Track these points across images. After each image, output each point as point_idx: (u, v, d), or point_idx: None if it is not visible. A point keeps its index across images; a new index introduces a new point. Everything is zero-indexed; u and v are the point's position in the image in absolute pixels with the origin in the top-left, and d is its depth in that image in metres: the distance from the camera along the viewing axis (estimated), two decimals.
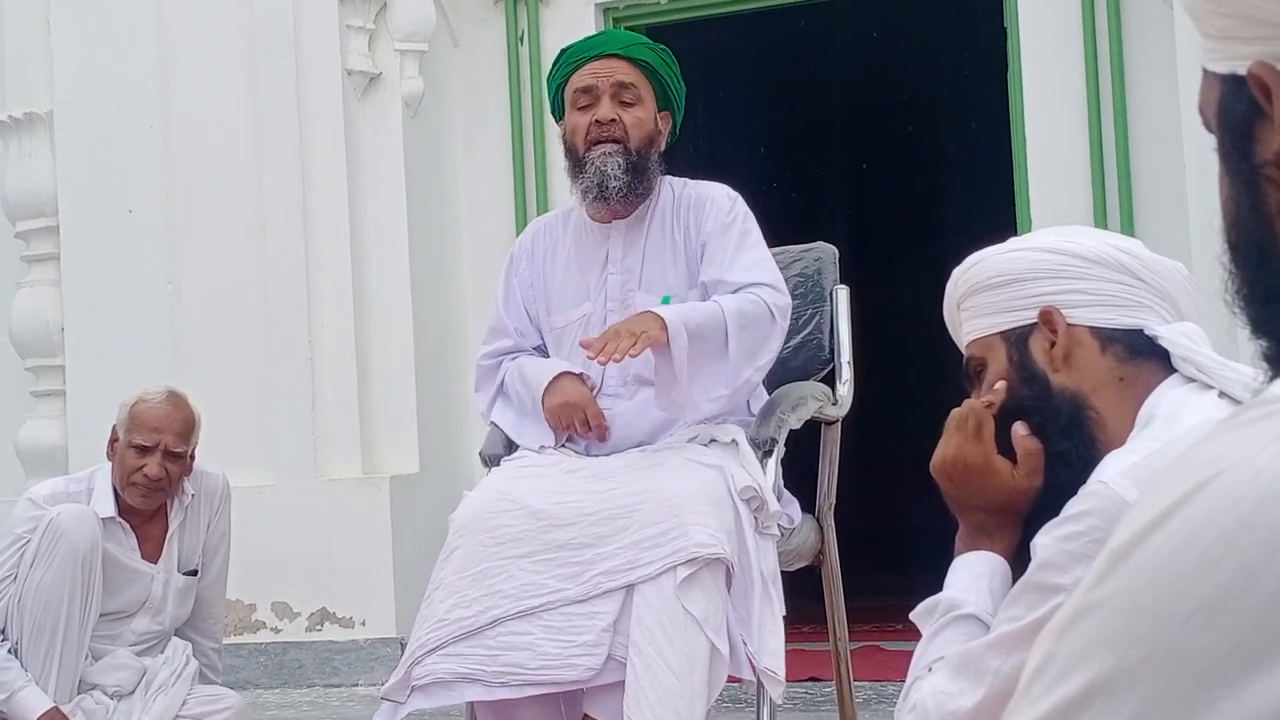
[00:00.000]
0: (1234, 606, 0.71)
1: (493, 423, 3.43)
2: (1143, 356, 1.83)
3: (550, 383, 3.30)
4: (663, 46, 3.45)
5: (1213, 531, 0.72)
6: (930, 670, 1.82)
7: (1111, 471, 1.67)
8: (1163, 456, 1.66)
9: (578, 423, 3.25)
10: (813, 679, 4.60)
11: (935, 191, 9.51)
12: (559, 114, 3.43)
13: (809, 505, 3.45)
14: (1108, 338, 1.84)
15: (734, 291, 3.24)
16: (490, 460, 3.36)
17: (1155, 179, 5.07)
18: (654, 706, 2.85)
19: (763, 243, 3.35)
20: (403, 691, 3.08)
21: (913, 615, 1.93)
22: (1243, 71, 0.91)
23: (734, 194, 3.39)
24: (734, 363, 3.17)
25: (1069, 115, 5.21)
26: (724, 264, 3.29)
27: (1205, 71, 0.97)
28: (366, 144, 5.59)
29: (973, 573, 1.89)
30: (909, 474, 8.89)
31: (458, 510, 3.16)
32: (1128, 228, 5.05)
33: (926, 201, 9.54)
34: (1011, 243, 1.97)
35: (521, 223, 5.66)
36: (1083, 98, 5.19)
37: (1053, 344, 1.85)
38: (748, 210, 3.37)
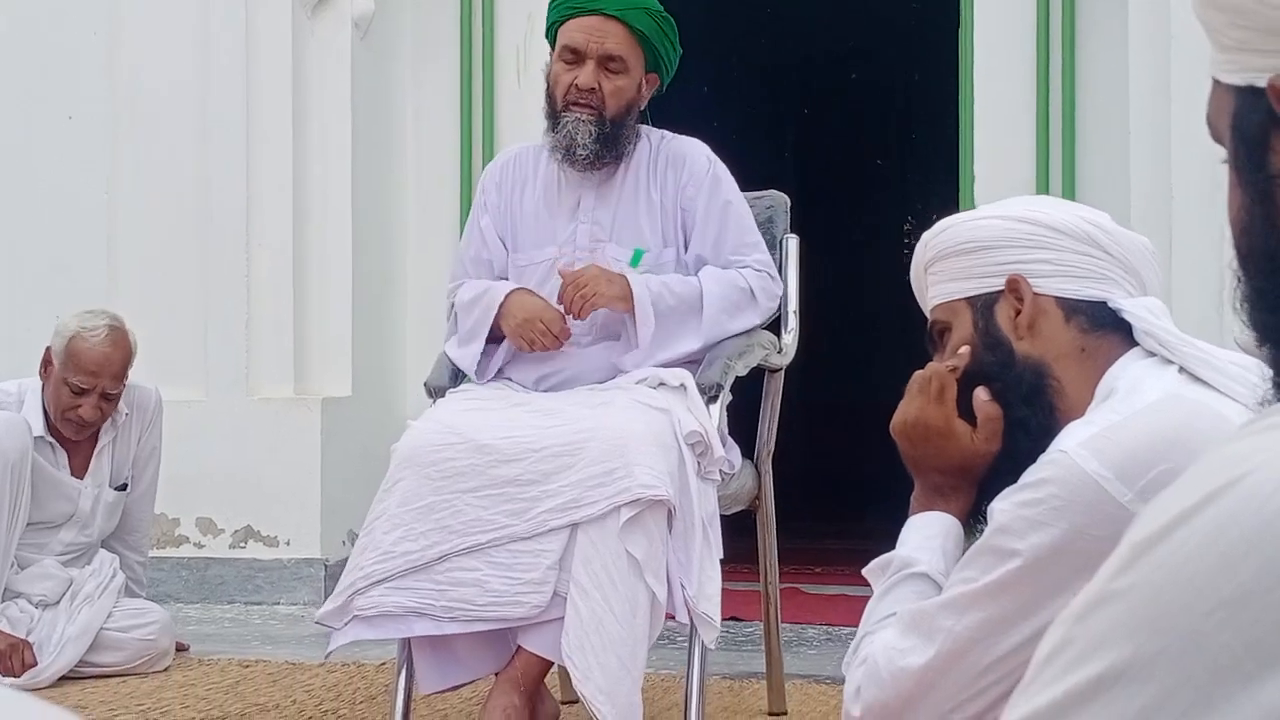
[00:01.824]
0: (1254, 605, 0.73)
1: (444, 353, 3.42)
2: (1105, 329, 1.86)
3: (503, 304, 3.28)
4: (664, 14, 3.41)
5: (1236, 531, 0.74)
6: (882, 626, 1.86)
7: (1071, 442, 1.70)
8: (1123, 429, 1.69)
9: (538, 335, 3.25)
10: (734, 618, 4.65)
11: (880, 142, 9.55)
12: (551, 42, 3.41)
13: (749, 451, 3.49)
14: (1072, 308, 1.87)
15: (739, 266, 3.31)
16: (435, 392, 3.37)
17: (1100, 141, 5.11)
18: (598, 652, 2.88)
19: (748, 213, 3.39)
20: (339, 618, 3.10)
21: (865, 571, 1.96)
22: (1261, 84, 0.92)
23: (711, 154, 3.41)
24: (705, 337, 3.28)
25: (1017, 72, 5.24)
26: (715, 241, 3.35)
27: (1217, 82, 0.98)
28: (314, 63, 5.54)
29: (927, 532, 1.92)
30: (843, 420, 8.99)
31: (401, 441, 3.16)
32: (1069, 189, 5.11)
33: (870, 152, 9.58)
34: (981, 210, 1.99)
35: (467, 149, 5.64)
36: (1032, 56, 5.22)
37: (1018, 312, 1.88)
38: (726, 171, 3.40)
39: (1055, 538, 1.66)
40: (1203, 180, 4.61)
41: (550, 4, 3.43)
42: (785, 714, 3.58)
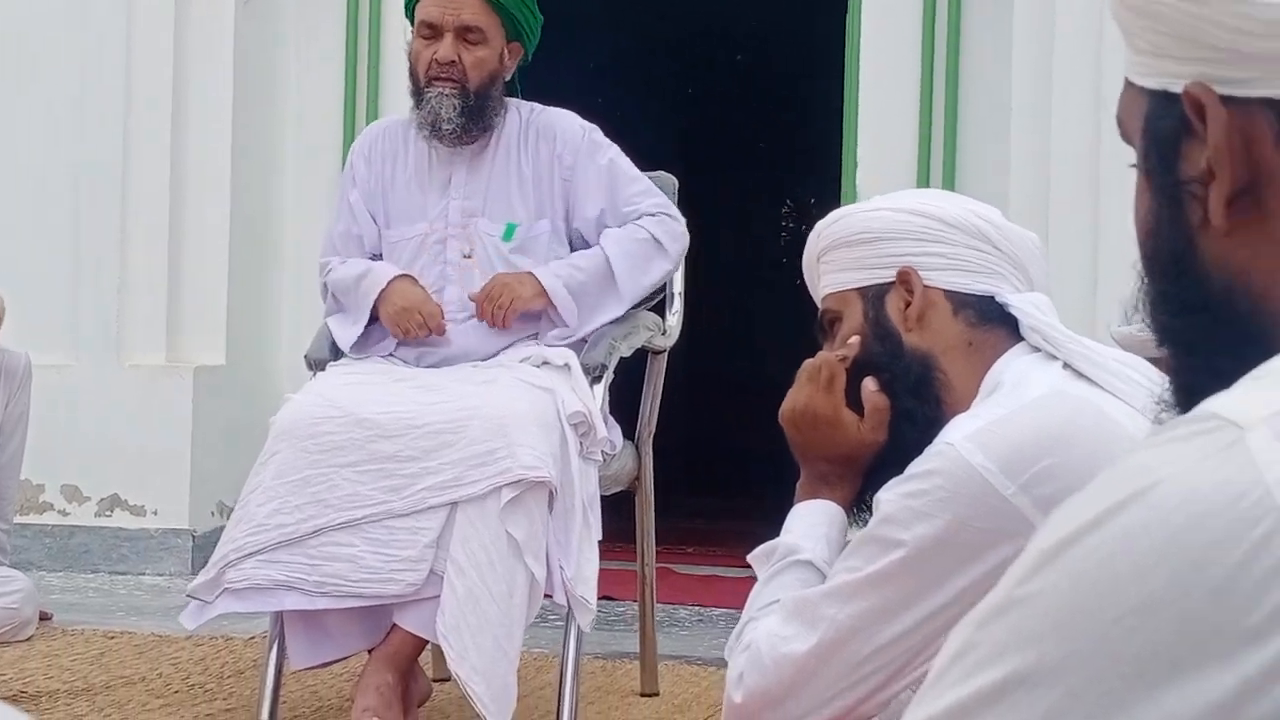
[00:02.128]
0: (1162, 614, 0.73)
1: (325, 325, 3.39)
2: (992, 323, 1.88)
3: (384, 289, 3.27)
4: None
5: (1146, 540, 0.74)
6: (765, 612, 1.86)
7: (957, 435, 1.72)
8: (1008, 423, 1.72)
9: (414, 326, 3.24)
10: (607, 597, 4.65)
11: (763, 125, 9.58)
12: (412, 20, 3.38)
13: (629, 432, 3.50)
14: (960, 302, 1.89)
15: (620, 225, 3.30)
16: (316, 364, 3.33)
17: (981, 131, 5.16)
18: (474, 633, 2.87)
19: (631, 165, 3.39)
20: (211, 591, 3.06)
21: (749, 557, 1.96)
22: (1176, 89, 0.92)
23: (583, 121, 3.40)
24: (625, 298, 3.31)
25: (903, 62, 5.28)
26: (609, 200, 3.33)
27: (1129, 84, 0.98)
28: (196, 29, 5.43)
29: (811, 520, 1.93)
30: (721, 394, 9.02)
31: (280, 413, 3.12)
32: (949, 178, 5.16)
33: (754, 134, 9.62)
34: (875, 201, 2.00)
35: (350, 123, 5.56)
36: (918, 44, 5.26)
37: (908, 304, 1.89)
38: (599, 133, 3.39)
39: (939, 529, 1.69)
40: (1080, 174, 4.69)
41: None
42: (657, 694, 3.60)
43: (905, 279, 1.89)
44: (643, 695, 3.60)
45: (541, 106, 3.43)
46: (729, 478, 7.93)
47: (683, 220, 3.41)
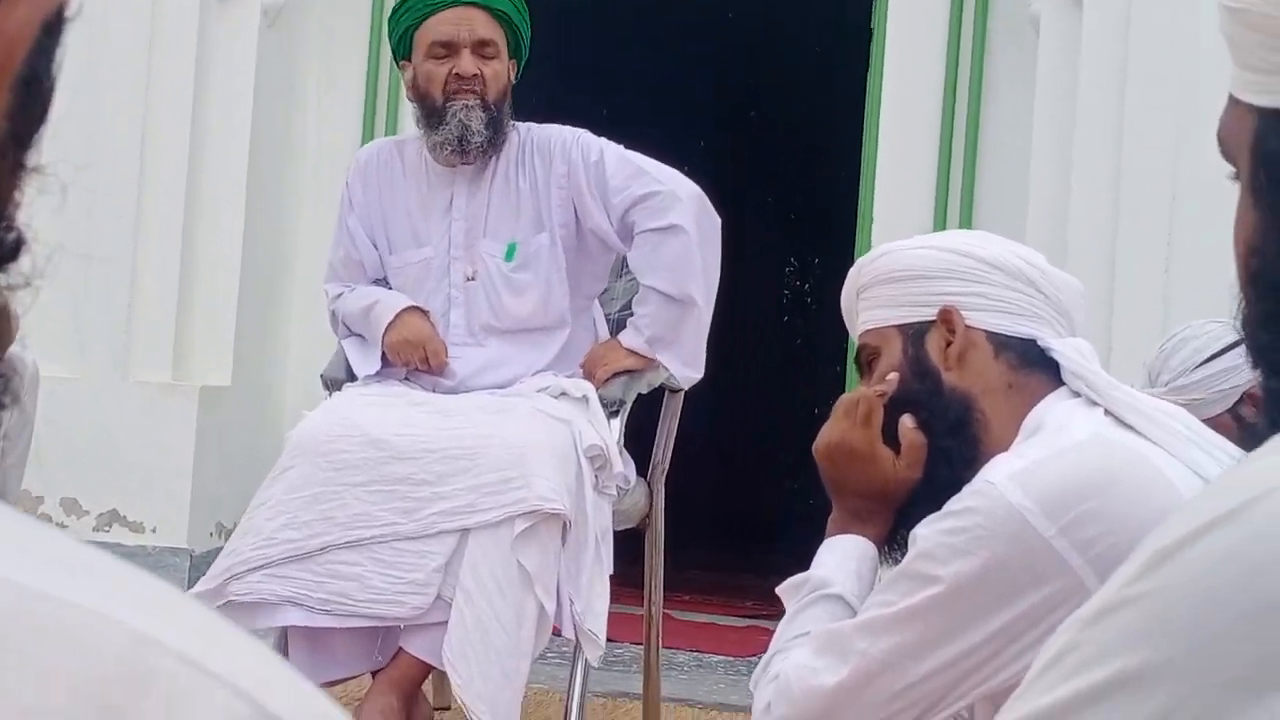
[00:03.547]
0: (1272, 619, 0.72)
1: (341, 347, 3.38)
2: (1033, 367, 1.87)
3: (394, 318, 3.27)
4: None
5: (1261, 547, 0.73)
6: (795, 644, 1.84)
7: (999, 474, 1.70)
8: (1050, 465, 1.70)
9: (417, 360, 3.24)
10: (609, 640, 4.62)
11: (778, 180, 9.59)
12: (403, 55, 3.37)
13: (642, 470, 3.48)
14: (1001, 344, 1.88)
15: (629, 207, 3.26)
16: (331, 384, 3.32)
17: (999, 198, 5.17)
18: (481, 661, 2.85)
19: (621, 153, 3.36)
20: (213, 601, 3.02)
21: (779, 590, 1.94)
22: None
23: (577, 130, 3.39)
24: (697, 299, 3.32)
25: (922, 126, 5.29)
26: (603, 197, 3.30)
27: (1235, 101, 0.97)
28: (219, 47, 5.44)
29: (842, 554, 1.91)
30: (717, 449, 8.99)
31: (296, 429, 3.10)
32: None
33: (767, 189, 9.62)
34: (919, 239, 1.99)
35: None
36: (938, 111, 5.27)
37: (949, 343, 1.88)
38: (590, 135, 3.37)
39: (976, 567, 1.67)
40: (1098, 240, 4.68)
41: (396, 15, 3.39)
42: None
43: (947, 318, 1.87)
44: None
45: (534, 124, 3.43)
46: (726, 529, 7.92)
47: (671, 182, 3.32)
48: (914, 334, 1.91)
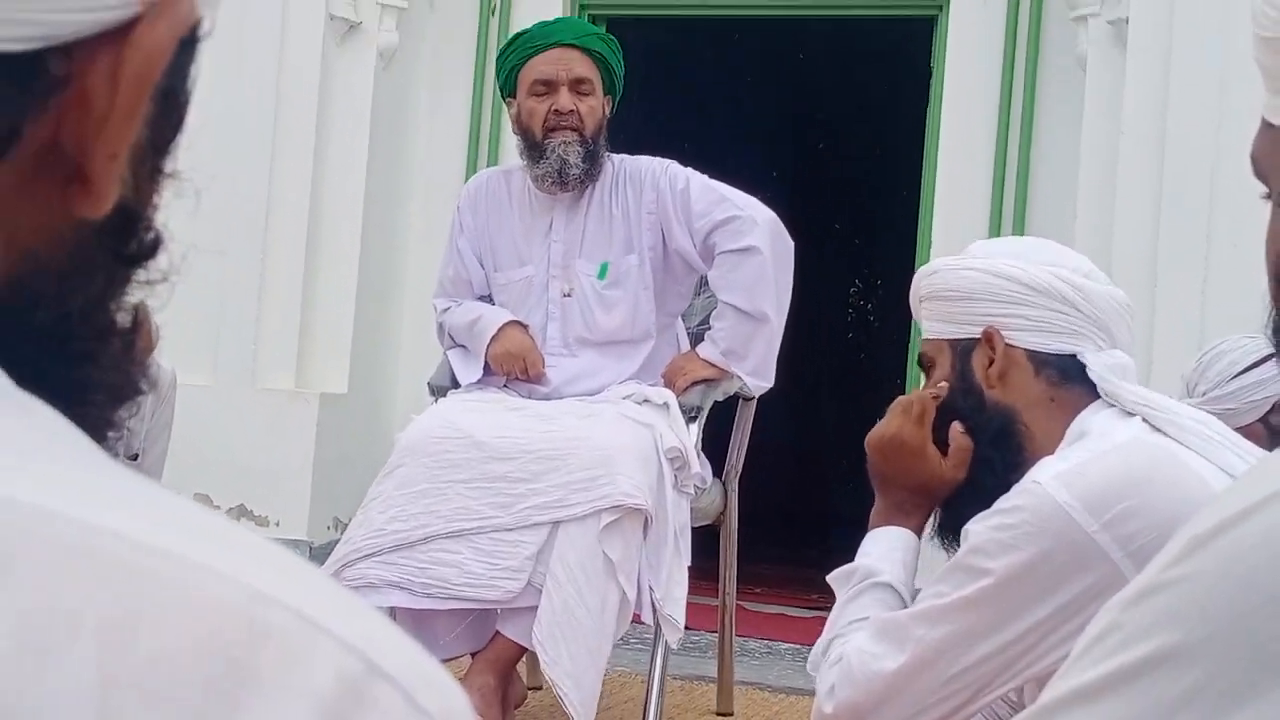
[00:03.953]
0: None
1: (446, 357, 3.40)
2: (1073, 381, 1.84)
3: (497, 331, 3.30)
4: (610, 36, 3.44)
5: None
6: (852, 629, 1.83)
7: (1046, 474, 1.69)
8: (1093, 466, 1.69)
9: (517, 370, 3.26)
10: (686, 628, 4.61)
11: (846, 206, 9.54)
12: (509, 91, 3.39)
13: (718, 471, 3.47)
14: (1042, 361, 1.85)
15: (711, 230, 3.26)
16: (437, 390, 3.34)
17: (1049, 222, 5.12)
18: (568, 642, 2.85)
19: (705, 182, 3.37)
20: None
21: (829, 578, 1.93)
22: None
23: (664, 161, 3.41)
24: (769, 315, 3.31)
25: (977, 157, 5.26)
26: (687, 221, 3.31)
27: (1269, 125, 0.96)
28: (339, 84, 5.50)
29: (888, 544, 1.90)
30: (785, 459, 8.99)
31: (405, 431, 3.13)
32: None
33: (835, 214, 9.59)
34: (967, 258, 1.95)
35: (473, 172, 5.59)
36: (992, 143, 5.24)
37: (991, 361, 1.86)
38: (677, 166, 3.39)
39: (1025, 560, 1.66)
40: (1140, 253, 4.62)
41: (503, 55, 3.42)
42: (732, 714, 3.55)
43: (989, 339, 1.86)
44: (718, 715, 3.55)
45: (627, 156, 3.44)
46: (788, 528, 7.89)
47: (750, 208, 3.32)
48: (962, 350, 1.90)
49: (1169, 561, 0.76)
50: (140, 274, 0.58)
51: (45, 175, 0.52)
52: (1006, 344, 1.85)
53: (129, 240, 0.57)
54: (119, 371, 0.57)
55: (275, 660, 0.44)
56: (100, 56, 0.52)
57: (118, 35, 0.52)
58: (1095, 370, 1.83)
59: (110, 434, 0.57)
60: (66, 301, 0.54)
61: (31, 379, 0.50)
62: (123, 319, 0.58)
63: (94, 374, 0.56)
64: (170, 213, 0.64)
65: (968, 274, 1.91)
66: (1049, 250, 1.95)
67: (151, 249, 0.58)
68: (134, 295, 0.58)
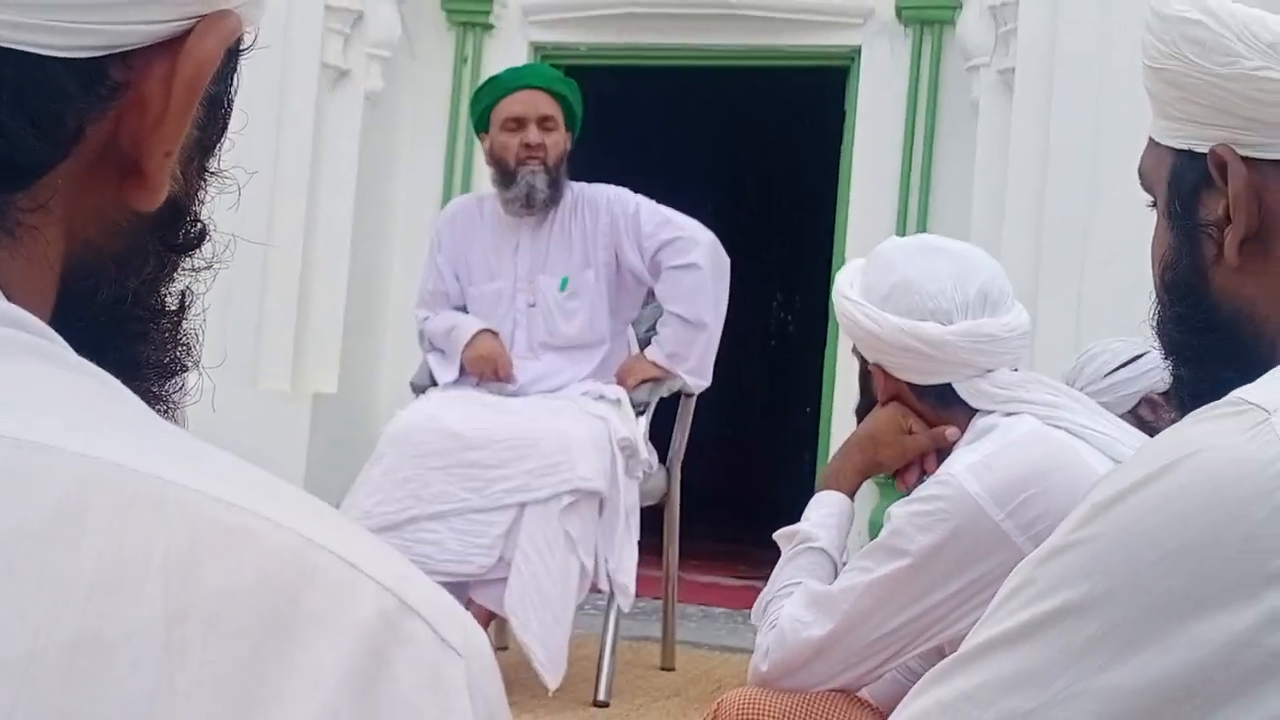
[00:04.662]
0: (1195, 557, 0.70)
1: (426, 360, 3.36)
2: (952, 405, 1.78)
3: (471, 337, 3.26)
4: (570, 80, 3.43)
5: (1187, 497, 0.72)
6: (785, 594, 1.79)
7: (958, 466, 1.68)
8: (998, 458, 1.67)
9: (489, 371, 3.23)
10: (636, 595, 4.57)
11: (768, 232, 9.53)
12: (482, 128, 3.36)
13: (663, 458, 3.43)
14: (920, 392, 1.80)
15: (658, 249, 3.24)
16: (418, 389, 3.29)
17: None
18: (536, 609, 2.82)
19: (653, 207, 3.37)
20: None
21: (776, 535, 1.89)
22: (1201, 149, 0.91)
23: (618, 189, 3.40)
24: (706, 321, 3.31)
25: (885, 188, 5.24)
26: (636, 241, 3.31)
27: (1154, 143, 0.96)
28: (331, 124, 5.42)
29: (826, 510, 1.87)
30: (712, 452, 8.95)
31: (390, 424, 3.09)
32: None
33: (758, 239, 9.58)
34: (868, 307, 1.79)
35: (448, 199, 5.53)
36: (897, 176, 5.23)
37: (884, 390, 1.83)
38: (627, 192, 3.39)
39: (938, 542, 1.65)
40: (1025, 271, 4.62)
41: (477, 96, 3.42)
42: (674, 669, 3.51)
43: (879, 379, 1.81)
44: (662, 669, 3.51)
45: (587, 184, 3.41)
46: (722, 508, 7.87)
47: (692, 229, 3.32)
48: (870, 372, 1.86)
49: (1074, 525, 0.75)
50: (187, 262, 0.57)
51: (105, 171, 0.51)
52: (894, 378, 1.79)
53: (178, 231, 0.56)
54: (167, 350, 0.56)
55: (323, 598, 0.44)
56: (156, 64, 0.51)
57: (172, 45, 0.51)
58: (965, 391, 1.76)
59: (156, 407, 0.55)
60: (124, 285, 0.53)
61: (91, 354, 0.49)
62: (171, 302, 0.57)
63: (146, 351, 0.55)
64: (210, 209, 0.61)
65: (865, 321, 1.78)
66: (913, 292, 1.78)
67: (198, 239, 0.57)
68: (181, 281, 0.57)
